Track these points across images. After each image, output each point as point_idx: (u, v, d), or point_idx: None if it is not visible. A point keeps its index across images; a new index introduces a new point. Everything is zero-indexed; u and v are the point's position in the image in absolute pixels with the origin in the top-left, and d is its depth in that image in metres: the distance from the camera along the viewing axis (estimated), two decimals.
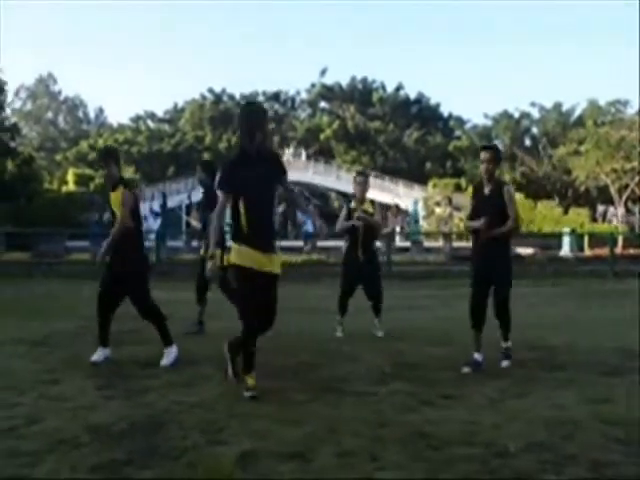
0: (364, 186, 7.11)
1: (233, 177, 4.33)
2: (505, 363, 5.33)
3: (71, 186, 38.96)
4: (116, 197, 5.45)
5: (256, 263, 4.27)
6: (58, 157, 54.71)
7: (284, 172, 4.53)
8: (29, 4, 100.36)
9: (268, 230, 4.38)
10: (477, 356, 5.31)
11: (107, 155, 5.75)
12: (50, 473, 3.05)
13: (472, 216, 5.43)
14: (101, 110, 77.77)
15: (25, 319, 7.90)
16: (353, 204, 7.02)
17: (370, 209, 7.07)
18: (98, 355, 5.49)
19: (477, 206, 5.35)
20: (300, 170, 43.05)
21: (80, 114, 77.64)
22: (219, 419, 3.86)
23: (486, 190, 5.29)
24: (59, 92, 76.19)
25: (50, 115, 75.30)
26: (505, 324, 5.37)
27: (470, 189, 6.20)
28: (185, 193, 33.51)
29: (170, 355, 5.41)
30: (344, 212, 7.11)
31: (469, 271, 5.51)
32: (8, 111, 37.19)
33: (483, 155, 5.29)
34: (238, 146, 4.58)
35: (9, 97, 41.35)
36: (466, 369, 5.17)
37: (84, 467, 3.11)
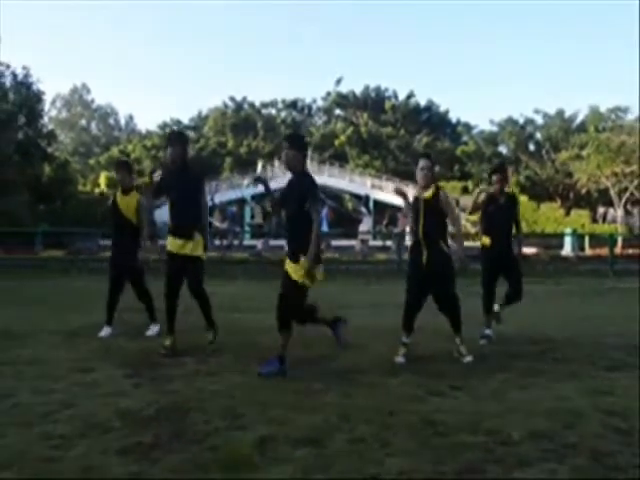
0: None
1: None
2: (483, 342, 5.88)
3: (103, 188, 39.33)
4: (129, 202, 6.26)
5: None
6: (91, 161, 55.27)
7: None
8: (64, 15, 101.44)
9: None
10: (488, 332, 5.97)
11: (119, 166, 6.65)
12: (82, 455, 3.08)
13: (488, 221, 5.99)
14: (131, 117, 78.56)
15: (61, 312, 7.98)
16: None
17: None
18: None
19: (494, 213, 5.89)
20: (315, 173, 42.70)
21: (111, 121, 78.36)
22: (240, 406, 3.86)
23: (501, 200, 5.87)
24: (92, 101, 76.97)
25: (84, 122, 76.05)
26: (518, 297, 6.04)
27: (476, 191, 6.49)
28: (209, 195, 33.58)
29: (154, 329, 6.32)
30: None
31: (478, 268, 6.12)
32: (45, 119, 37.52)
33: (494, 178, 5.89)
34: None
35: (46, 106, 41.70)
36: (482, 341, 5.86)
37: (114, 449, 3.14)
